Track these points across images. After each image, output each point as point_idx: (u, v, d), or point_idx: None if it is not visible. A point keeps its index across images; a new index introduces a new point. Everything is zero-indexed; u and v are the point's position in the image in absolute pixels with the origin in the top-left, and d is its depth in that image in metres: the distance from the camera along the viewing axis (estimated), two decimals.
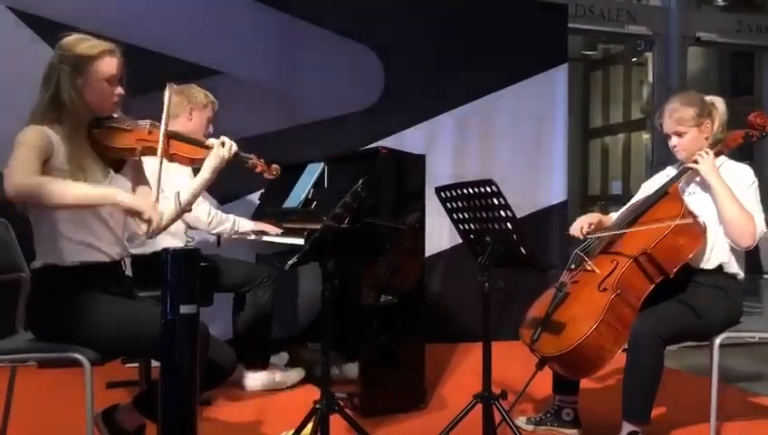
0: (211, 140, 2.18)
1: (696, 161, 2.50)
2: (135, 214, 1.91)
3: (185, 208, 2.16)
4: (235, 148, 2.18)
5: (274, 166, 2.32)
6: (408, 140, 4.37)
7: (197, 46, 4.08)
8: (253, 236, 3.27)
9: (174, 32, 4.04)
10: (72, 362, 1.93)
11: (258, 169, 2.28)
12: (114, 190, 1.95)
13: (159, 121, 2.07)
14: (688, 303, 2.42)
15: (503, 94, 4.73)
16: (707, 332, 2.46)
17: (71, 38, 2.03)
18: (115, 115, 2.09)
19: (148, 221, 1.89)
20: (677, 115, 2.57)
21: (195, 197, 2.18)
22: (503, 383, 2.52)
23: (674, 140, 2.60)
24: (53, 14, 3.80)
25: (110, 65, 2.03)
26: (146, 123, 2.09)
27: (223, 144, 2.16)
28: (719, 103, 2.63)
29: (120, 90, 2.07)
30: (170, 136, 2.09)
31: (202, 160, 2.15)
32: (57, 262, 1.98)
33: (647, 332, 2.30)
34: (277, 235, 3.24)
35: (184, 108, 3.17)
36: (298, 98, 4.28)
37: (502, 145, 4.73)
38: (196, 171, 2.25)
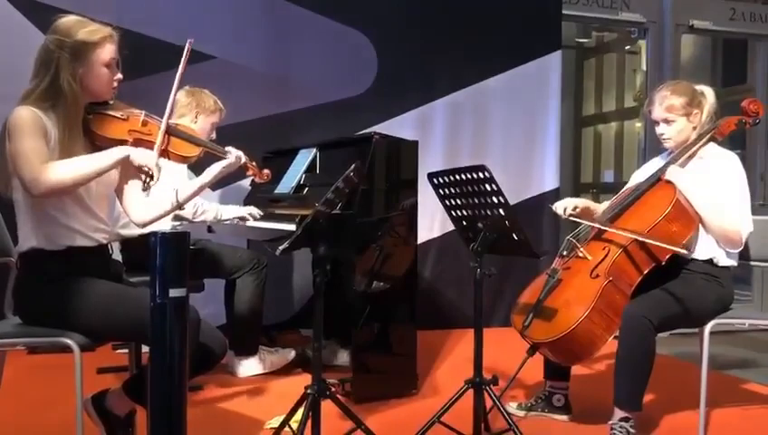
0: (230, 150, 2.17)
1: (668, 180, 2.48)
2: (140, 170, 1.94)
3: (180, 205, 2.17)
4: (243, 158, 2.18)
5: (266, 171, 2.34)
6: (400, 126, 4.35)
7: (189, 30, 4.01)
8: (236, 222, 3.27)
9: (166, 15, 4.00)
10: (62, 347, 1.92)
11: (249, 173, 2.28)
12: (124, 150, 1.94)
13: (156, 112, 2.03)
14: (680, 289, 2.43)
15: (496, 81, 4.72)
16: (698, 318, 2.47)
17: (68, 21, 1.98)
18: (111, 102, 2.06)
19: (150, 177, 1.91)
20: (668, 103, 2.56)
21: (192, 196, 2.19)
22: (494, 369, 2.53)
23: (662, 128, 2.60)
24: None
25: (110, 51, 2.00)
26: (140, 113, 2.05)
27: (239, 159, 2.16)
28: (709, 93, 2.61)
29: (119, 75, 2.05)
30: (168, 132, 2.05)
31: (194, 158, 2.13)
32: (43, 246, 1.96)
33: (638, 317, 2.31)
34: (258, 218, 3.23)
35: (191, 110, 3.22)
36: (291, 83, 4.26)
37: (494, 132, 4.72)
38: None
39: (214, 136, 3.30)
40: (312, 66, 4.30)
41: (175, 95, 2.07)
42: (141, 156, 1.95)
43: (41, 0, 3.74)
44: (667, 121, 2.57)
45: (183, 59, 2.05)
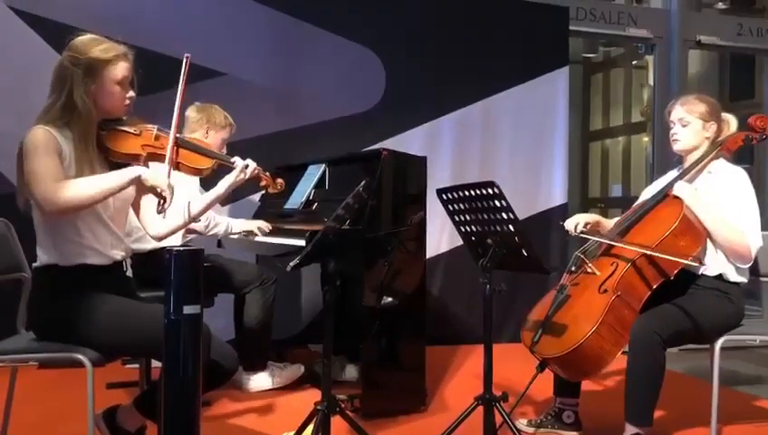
0: (236, 160, 2.19)
1: (675, 196, 2.49)
2: (153, 191, 1.95)
3: (194, 219, 2.19)
4: (256, 171, 2.20)
5: (279, 181, 2.35)
6: (409, 141, 4.38)
7: (200, 47, 4.07)
8: (245, 235, 3.28)
9: (177, 32, 4.05)
10: (74, 362, 1.93)
11: (263, 183, 2.29)
12: (136, 170, 1.96)
13: (169, 127, 2.06)
14: (689, 305, 2.42)
15: (504, 96, 4.74)
16: (708, 334, 2.46)
17: (83, 40, 2.02)
18: (124, 117, 2.10)
19: (163, 198, 1.93)
20: (688, 106, 2.60)
21: (205, 209, 2.20)
22: (504, 385, 2.52)
23: (676, 128, 2.62)
24: (54, 14, 3.82)
25: (123, 69, 2.03)
26: (153, 128, 2.08)
27: (246, 167, 2.18)
28: (732, 121, 2.66)
29: (131, 93, 2.08)
30: (179, 144, 2.08)
31: (208, 171, 2.15)
32: (59, 262, 1.98)
33: (647, 332, 2.31)
34: (267, 233, 3.25)
35: (202, 126, 3.26)
36: (300, 99, 4.29)
37: (502, 147, 4.73)
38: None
39: (225, 151, 3.33)
40: (322, 82, 4.33)
41: (180, 107, 2.10)
42: (153, 176, 1.95)
43: (53, 18, 3.81)
44: (682, 122, 2.60)
45: (183, 73, 2.09)
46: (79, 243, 1.99)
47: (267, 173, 2.29)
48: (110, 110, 2.05)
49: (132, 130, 2.07)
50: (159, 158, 2.04)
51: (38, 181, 1.87)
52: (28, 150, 1.90)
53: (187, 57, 2.09)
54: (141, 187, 2.01)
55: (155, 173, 1.97)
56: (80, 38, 2.03)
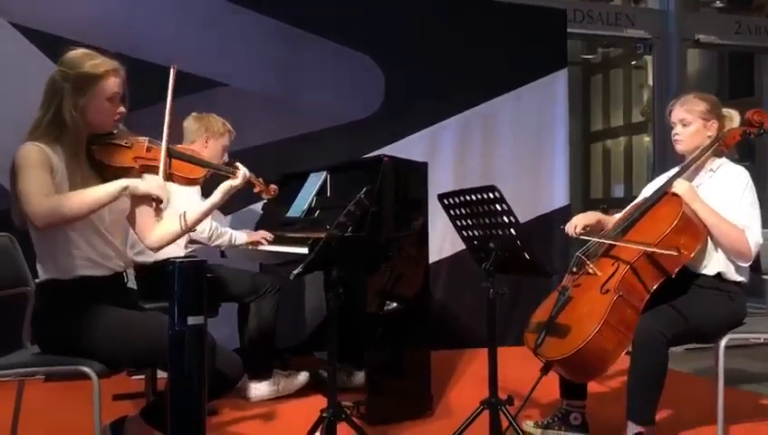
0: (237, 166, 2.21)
1: (674, 193, 2.49)
2: (147, 197, 1.95)
3: (190, 228, 2.19)
4: (248, 174, 2.20)
5: (273, 187, 2.36)
6: (409, 147, 4.39)
7: (200, 58, 4.10)
8: (250, 247, 3.30)
9: (176, 44, 4.07)
10: (79, 374, 1.94)
11: (256, 190, 2.30)
12: (124, 181, 1.95)
13: (161, 138, 2.07)
14: (691, 304, 2.42)
15: (503, 100, 4.75)
16: (711, 333, 2.46)
17: (74, 54, 2.02)
18: (114, 131, 2.09)
19: (159, 201, 1.93)
20: (688, 105, 2.60)
21: (201, 218, 2.20)
22: (509, 389, 2.52)
23: (677, 129, 2.62)
24: (55, 29, 3.83)
25: (113, 85, 2.02)
26: (145, 140, 2.08)
27: (243, 175, 2.19)
28: (735, 115, 2.65)
29: (121, 108, 2.07)
30: (170, 155, 2.09)
31: (201, 180, 2.16)
32: (59, 276, 1.99)
33: (650, 330, 2.30)
34: (270, 242, 3.26)
35: (201, 135, 3.26)
36: (300, 107, 4.30)
37: (503, 150, 4.74)
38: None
39: (226, 158, 3.34)
40: (322, 90, 4.35)
41: (169, 118, 2.10)
42: (143, 184, 1.96)
43: (53, 32, 3.82)
44: (683, 122, 2.60)
45: (170, 83, 2.11)
46: (76, 255, 1.99)
47: (260, 179, 2.29)
48: (100, 125, 2.04)
49: (123, 143, 2.07)
50: (153, 169, 2.05)
51: (28, 199, 1.87)
52: (19, 168, 1.90)
53: (173, 67, 2.11)
54: (134, 197, 2.01)
55: (144, 181, 1.98)
56: (72, 52, 2.02)
